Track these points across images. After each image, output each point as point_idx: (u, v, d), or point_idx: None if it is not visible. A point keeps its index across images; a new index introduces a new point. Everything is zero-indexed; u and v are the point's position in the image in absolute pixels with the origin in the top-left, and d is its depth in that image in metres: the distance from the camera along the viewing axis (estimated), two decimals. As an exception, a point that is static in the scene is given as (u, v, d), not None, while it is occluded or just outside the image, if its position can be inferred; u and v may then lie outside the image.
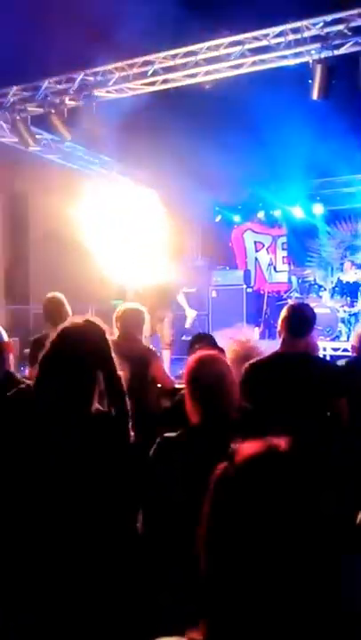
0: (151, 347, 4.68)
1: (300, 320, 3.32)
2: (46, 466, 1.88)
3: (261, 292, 11.94)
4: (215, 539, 0.91)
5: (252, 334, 3.99)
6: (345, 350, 8.28)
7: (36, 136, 8.29)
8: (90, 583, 1.87)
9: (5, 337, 2.91)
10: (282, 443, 0.95)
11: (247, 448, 0.93)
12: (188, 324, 8.30)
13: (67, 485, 1.88)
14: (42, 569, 1.85)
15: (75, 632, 1.84)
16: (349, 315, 9.43)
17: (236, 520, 0.89)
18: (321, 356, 8.71)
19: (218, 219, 12.22)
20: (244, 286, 10.51)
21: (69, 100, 7.43)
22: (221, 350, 3.05)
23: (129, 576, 1.98)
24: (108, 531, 1.92)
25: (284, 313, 3.36)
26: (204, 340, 3.67)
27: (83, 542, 1.87)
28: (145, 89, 7.23)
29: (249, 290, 10.71)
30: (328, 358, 8.77)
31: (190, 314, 8.19)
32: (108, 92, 7.30)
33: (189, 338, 9.82)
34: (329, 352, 8.89)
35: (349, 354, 4.96)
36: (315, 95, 6.24)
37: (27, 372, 4.40)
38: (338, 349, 8.86)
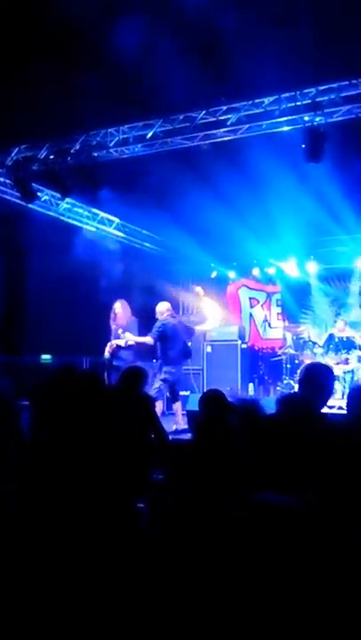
0: None
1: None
2: None
3: (256, 348, 11.98)
4: None
5: None
6: (340, 408, 8.25)
7: (37, 193, 8.51)
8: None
9: None
10: None
11: None
12: None
13: None
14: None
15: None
16: (344, 372, 9.44)
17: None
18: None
19: (213, 275, 12.38)
20: (239, 342, 10.54)
21: (71, 159, 7.65)
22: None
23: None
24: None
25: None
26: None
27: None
28: (144, 150, 7.47)
29: (244, 345, 10.73)
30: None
31: None
32: (108, 152, 7.53)
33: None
34: (324, 409, 8.83)
35: (344, 412, 4.95)
36: (308, 159, 6.48)
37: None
38: (333, 407, 8.82)
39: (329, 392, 3.58)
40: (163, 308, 7.47)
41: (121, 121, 7.26)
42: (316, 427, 3.29)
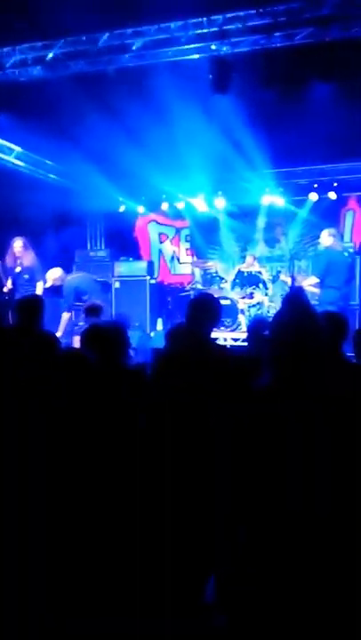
0: None
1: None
2: None
3: (165, 284, 12.07)
4: None
5: None
6: (244, 340, 8.57)
7: None
8: None
9: None
10: None
11: None
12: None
13: None
14: None
15: None
16: (249, 306, 9.77)
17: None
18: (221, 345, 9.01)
19: (122, 209, 12.16)
20: (148, 277, 10.57)
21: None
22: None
23: None
24: None
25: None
26: None
27: None
28: (45, 74, 7.06)
29: (152, 281, 10.78)
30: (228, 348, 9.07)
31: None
32: (4, 73, 7.05)
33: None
34: (229, 342, 9.18)
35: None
36: (214, 90, 6.40)
37: None
38: (238, 339, 9.17)
39: (216, 321, 3.64)
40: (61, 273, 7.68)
41: (18, 40, 6.77)
42: (208, 353, 3.41)
